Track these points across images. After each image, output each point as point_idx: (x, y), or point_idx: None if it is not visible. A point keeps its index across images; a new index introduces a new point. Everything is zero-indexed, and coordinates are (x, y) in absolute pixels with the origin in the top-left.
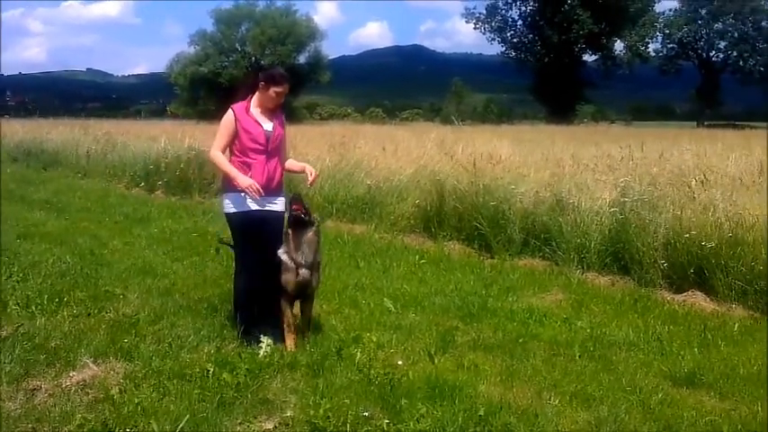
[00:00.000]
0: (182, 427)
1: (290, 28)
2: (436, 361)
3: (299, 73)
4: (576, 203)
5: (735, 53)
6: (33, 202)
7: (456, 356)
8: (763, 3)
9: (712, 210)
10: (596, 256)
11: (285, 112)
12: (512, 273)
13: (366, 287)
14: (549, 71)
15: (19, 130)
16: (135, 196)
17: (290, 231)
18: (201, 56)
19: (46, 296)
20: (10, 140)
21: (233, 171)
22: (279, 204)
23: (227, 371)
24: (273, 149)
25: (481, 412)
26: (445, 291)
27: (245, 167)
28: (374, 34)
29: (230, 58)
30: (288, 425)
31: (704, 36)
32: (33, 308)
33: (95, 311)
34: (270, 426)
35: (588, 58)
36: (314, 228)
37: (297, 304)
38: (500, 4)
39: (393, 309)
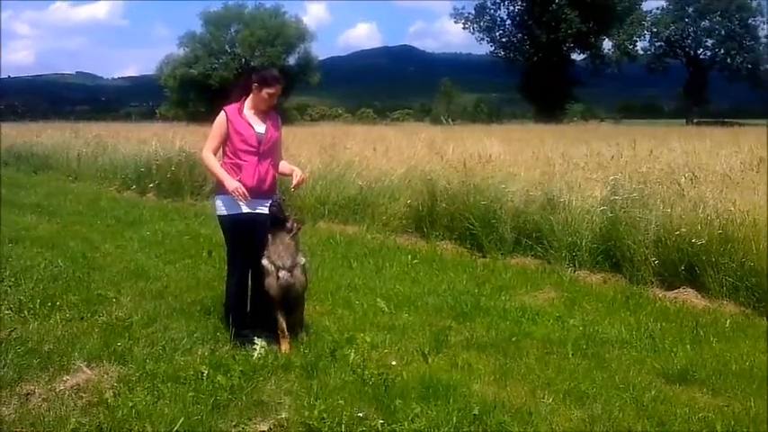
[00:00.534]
0: (176, 430)
1: (279, 29)
2: (430, 361)
3: (288, 74)
4: (566, 202)
5: (722, 51)
6: (24, 205)
7: (449, 356)
8: (749, 0)
9: (702, 207)
10: (588, 254)
11: (272, 110)
12: (504, 272)
13: (359, 288)
14: (538, 70)
15: (8, 134)
16: (126, 199)
17: (269, 235)
18: (191, 58)
19: (38, 300)
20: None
21: (222, 174)
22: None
23: (221, 373)
24: (266, 152)
25: (475, 411)
26: (438, 290)
27: (236, 169)
28: (363, 35)
29: (220, 60)
30: (282, 426)
31: (691, 34)
32: (26, 312)
33: (88, 315)
34: (264, 427)
35: (577, 56)
36: (291, 230)
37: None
38: (488, 3)
39: (386, 309)
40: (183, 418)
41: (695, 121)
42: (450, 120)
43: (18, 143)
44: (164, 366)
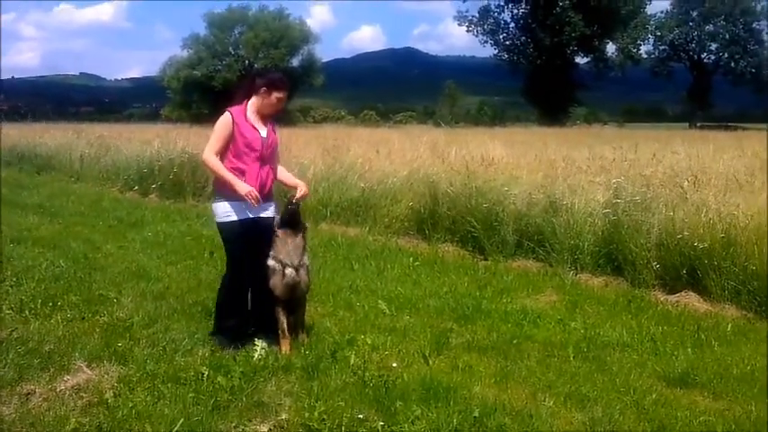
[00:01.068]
0: (176, 431)
1: (283, 31)
2: (431, 363)
3: (292, 76)
4: (569, 205)
5: (726, 55)
6: (27, 206)
7: (450, 358)
8: (753, 4)
9: (705, 210)
10: (590, 257)
11: (279, 114)
12: (505, 274)
13: (360, 289)
14: (542, 73)
15: (12, 135)
16: (129, 200)
17: (277, 234)
18: (195, 59)
19: (39, 300)
20: (3, 145)
21: (231, 177)
22: (270, 211)
23: (221, 374)
24: (267, 156)
25: (476, 413)
26: (439, 293)
27: (239, 173)
28: (367, 37)
29: (223, 62)
30: (283, 427)
31: (695, 38)
32: (27, 312)
33: (89, 315)
34: (264, 428)
35: (580, 60)
36: (302, 231)
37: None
38: (492, 6)
39: (387, 311)
40: (183, 419)
41: (699, 125)
42: (450, 122)
43: (21, 144)
44: (164, 367)
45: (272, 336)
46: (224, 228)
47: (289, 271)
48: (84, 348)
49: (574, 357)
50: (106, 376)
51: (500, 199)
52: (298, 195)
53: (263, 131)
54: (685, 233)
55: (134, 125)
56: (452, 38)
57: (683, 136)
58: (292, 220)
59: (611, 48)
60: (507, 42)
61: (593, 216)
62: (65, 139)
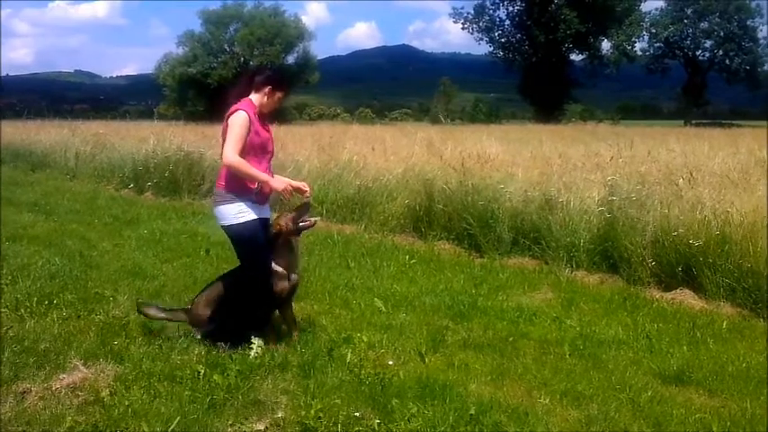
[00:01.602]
0: (172, 429)
1: (278, 28)
2: (427, 360)
3: (288, 73)
4: (564, 202)
5: (721, 52)
6: (21, 204)
7: (446, 356)
8: (747, 1)
9: (700, 208)
10: (585, 254)
11: (274, 112)
12: (501, 272)
13: (356, 287)
14: (537, 71)
15: (7, 132)
16: (124, 198)
17: (281, 239)
18: (190, 57)
19: (35, 299)
20: None
21: (264, 175)
22: (269, 211)
23: (217, 372)
24: (272, 155)
25: (472, 411)
26: (435, 290)
27: None
28: (363, 35)
29: (219, 59)
30: (279, 426)
31: (690, 35)
32: (22, 310)
33: (85, 314)
34: (261, 427)
35: (575, 57)
36: (303, 230)
37: None
38: (488, 3)
39: (383, 309)
40: (179, 417)
41: (693, 122)
42: (449, 119)
43: (16, 141)
44: (160, 365)
45: (265, 336)
46: (239, 229)
47: (294, 276)
48: (80, 347)
49: (569, 355)
50: (102, 375)
51: (496, 196)
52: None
53: (269, 130)
54: (680, 230)
55: (129, 122)
56: (448, 35)
57: (678, 133)
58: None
59: (606, 45)
60: (502, 39)
61: (588, 213)
62: (60, 137)
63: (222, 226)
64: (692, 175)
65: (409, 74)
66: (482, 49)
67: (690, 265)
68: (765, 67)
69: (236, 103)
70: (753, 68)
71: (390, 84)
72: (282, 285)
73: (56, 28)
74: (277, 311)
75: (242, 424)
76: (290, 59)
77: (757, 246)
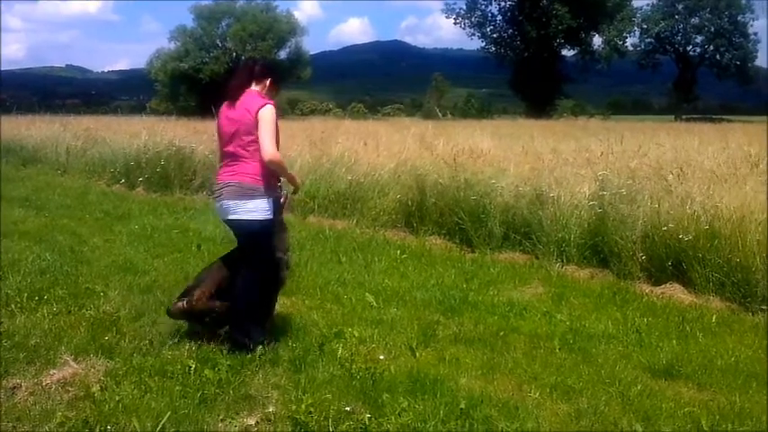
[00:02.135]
0: (163, 424)
1: (270, 24)
2: (418, 355)
3: (280, 68)
4: (555, 197)
5: (711, 47)
6: (12, 199)
7: (437, 350)
8: None
9: (689, 203)
10: (576, 249)
11: None
12: (492, 267)
13: (348, 282)
14: (529, 66)
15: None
16: (115, 193)
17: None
18: (182, 52)
19: (26, 294)
20: None
21: (292, 174)
22: None
23: (208, 367)
24: None
25: (462, 405)
26: (426, 285)
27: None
28: (355, 30)
29: (211, 54)
30: (270, 420)
31: (681, 30)
32: (13, 306)
33: (76, 309)
34: (252, 421)
35: (567, 52)
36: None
37: None
38: None
39: (375, 303)
40: (169, 412)
41: (684, 117)
42: (443, 113)
43: (7, 136)
44: (151, 360)
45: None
46: (267, 225)
47: (287, 257)
48: (71, 342)
49: (559, 349)
50: (93, 370)
51: (487, 191)
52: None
53: None
54: (670, 225)
55: (121, 118)
56: (440, 30)
57: (669, 128)
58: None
59: (597, 40)
60: (494, 35)
61: (579, 208)
62: (51, 132)
63: (248, 220)
64: (681, 170)
65: (402, 69)
66: (474, 44)
67: (679, 260)
68: (755, 63)
69: (238, 94)
70: (743, 64)
71: (383, 79)
72: (285, 273)
73: (48, 23)
74: None
75: (233, 419)
76: (282, 55)
77: (746, 240)
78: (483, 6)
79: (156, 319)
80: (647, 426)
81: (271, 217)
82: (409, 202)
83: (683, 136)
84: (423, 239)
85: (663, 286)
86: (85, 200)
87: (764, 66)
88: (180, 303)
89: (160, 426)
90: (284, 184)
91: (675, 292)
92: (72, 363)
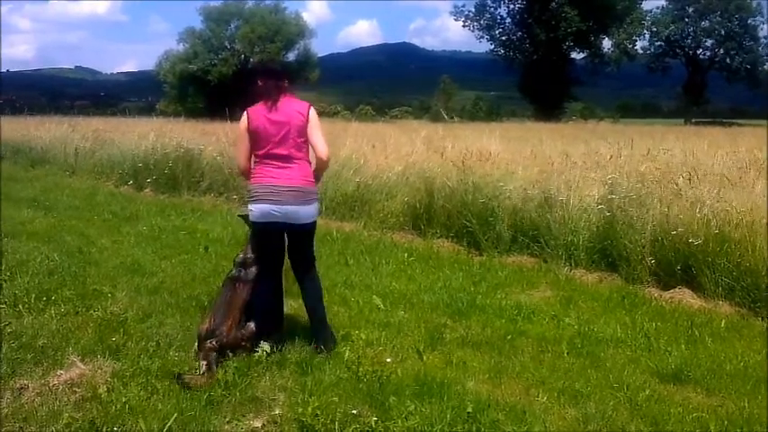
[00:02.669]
0: (170, 426)
1: (279, 26)
2: (425, 358)
3: (288, 70)
4: (564, 200)
5: (721, 51)
6: (21, 200)
7: (444, 353)
8: (748, 0)
9: (699, 207)
10: (584, 252)
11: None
12: (500, 270)
13: (355, 285)
14: (538, 69)
15: (6, 128)
16: (123, 194)
17: None
18: (190, 53)
19: (33, 295)
20: None
21: None
22: None
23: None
24: None
25: (469, 409)
26: (434, 288)
27: None
28: (363, 32)
29: (219, 56)
30: (276, 423)
31: (691, 34)
32: (20, 306)
33: (83, 310)
34: (258, 424)
35: (576, 55)
36: None
37: None
38: (488, 1)
39: (382, 306)
40: (176, 414)
41: (693, 120)
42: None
43: (16, 137)
44: (158, 362)
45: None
46: (315, 226)
47: None
48: (78, 343)
49: (567, 353)
50: (99, 371)
51: (495, 194)
52: None
53: None
54: (680, 229)
55: (130, 119)
56: (448, 33)
57: (678, 132)
58: None
59: (606, 43)
60: (503, 38)
61: (587, 212)
62: (59, 133)
63: (311, 223)
64: (691, 174)
65: (410, 72)
66: (483, 47)
67: (689, 264)
68: (766, 66)
69: (278, 96)
70: (753, 67)
71: (391, 81)
72: None
73: (56, 24)
74: None
75: (239, 421)
76: (291, 57)
77: (756, 245)
78: (492, 9)
79: (164, 320)
80: (655, 431)
81: None
82: (417, 205)
83: (693, 139)
84: (430, 242)
85: (672, 291)
86: (94, 201)
87: None
88: (210, 343)
89: (166, 427)
90: None
91: (684, 296)
92: (79, 364)
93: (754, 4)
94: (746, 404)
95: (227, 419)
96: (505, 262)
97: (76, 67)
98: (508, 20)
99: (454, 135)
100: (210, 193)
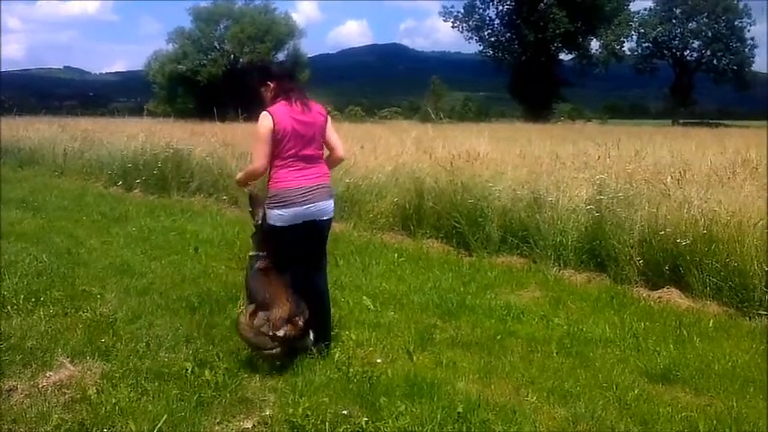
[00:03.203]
0: (160, 427)
1: (268, 26)
2: (415, 358)
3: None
4: (553, 201)
5: (708, 52)
6: (9, 200)
7: (434, 354)
8: (735, 2)
9: (687, 207)
10: (573, 253)
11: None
12: (490, 270)
13: (345, 285)
14: (526, 70)
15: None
16: (112, 195)
17: None
18: (180, 54)
19: (22, 296)
20: None
21: None
22: None
23: (206, 369)
24: None
25: (459, 409)
26: (424, 288)
27: None
28: (353, 33)
29: (209, 56)
30: (267, 424)
31: (678, 35)
32: (9, 308)
33: (72, 311)
34: (248, 425)
35: (564, 56)
36: None
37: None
38: (477, 3)
39: (372, 307)
40: (166, 415)
41: (681, 121)
42: (440, 116)
43: (4, 137)
44: (148, 363)
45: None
46: None
47: None
48: (67, 344)
49: (557, 353)
50: (89, 372)
51: (485, 195)
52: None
53: None
54: (668, 229)
55: (119, 119)
56: (438, 34)
57: (666, 133)
58: None
59: (594, 44)
60: (492, 39)
61: (576, 212)
62: (48, 133)
63: (331, 219)
64: (679, 174)
65: (399, 72)
66: (472, 48)
67: (677, 264)
68: (752, 68)
69: (302, 96)
70: (740, 69)
71: (380, 82)
72: None
73: (46, 24)
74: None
75: (229, 422)
76: (281, 57)
77: (744, 245)
78: (481, 10)
79: (153, 321)
80: (644, 430)
81: None
82: (407, 206)
83: (681, 140)
84: (420, 243)
85: (660, 290)
86: (83, 202)
87: (761, 71)
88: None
89: (156, 429)
90: None
91: (673, 296)
92: (68, 365)
93: (741, 5)
94: (735, 404)
95: (218, 420)
96: (495, 262)
97: (65, 67)
98: (497, 21)
99: (444, 135)
100: (200, 193)
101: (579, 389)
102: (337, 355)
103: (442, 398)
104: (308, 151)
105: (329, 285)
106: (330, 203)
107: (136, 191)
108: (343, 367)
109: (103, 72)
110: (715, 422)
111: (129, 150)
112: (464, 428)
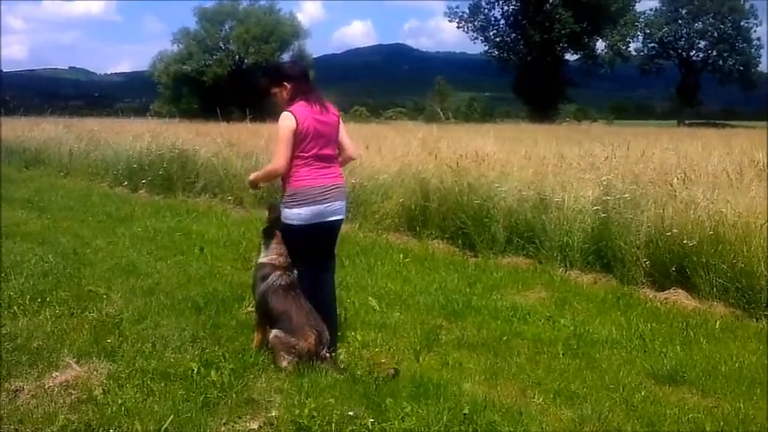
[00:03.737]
0: (166, 428)
1: (273, 26)
2: (421, 359)
3: None
4: (559, 202)
5: (714, 52)
6: (15, 201)
7: (440, 355)
8: (741, 2)
9: (694, 208)
10: (579, 254)
11: (271, 110)
12: (495, 271)
13: (351, 286)
14: (532, 70)
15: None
16: (118, 195)
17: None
18: (185, 54)
19: (28, 296)
20: None
21: None
22: None
23: (212, 370)
24: None
25: (466, 410)
26: (429, 289)
27: None
28: (358, 33)
29: (214, 57)
30: (272, 424)
31: (684, 35)
32: (15, 308)
33: (78, 311)
34: (254, 426)
35: (570, 57)
36: None
37: None
38: (483, 3)
39: (378, 308)
40: (172, 416)
41: (687, 122)
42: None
43: (10, 137)
44: (154, 363)
45: None
46: None
47: None
48: (73, 345)
49: (563, 354)
50: (95, 373)
51: (490, 195)
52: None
53: None
54: (674, 230)
55: (124, 120)
56: (443, 34)
57: (672, 133)
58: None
59: (600, 45)
60: (497, 39)
61: (582, 213)
62: (54, 134)
63: (342, 219)
64: (685, 175)
65: (404, 73)
66: (477, 48)
67: (683, 265)
68: (758, 68)
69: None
70: (746, 69)
71: (385, 82)
72: None
73: (50, 24)
74: None
75: (235, 423)
76: (286, 57)
77: (750, 246)
78: (486, 10)
79: (159, 321)
80: None
81: None
82: (412, 206)
83: (687, 141)
84: (426, 243)
85: (667, 292)
86: (88, 202)
87: (767, 71)
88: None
89: (162, 429)
90: None
91: (679, 297)
92: (74, 365)
93: (747, 6)
94: (742, 405)
95: (224, 421)
96: (500, 263)
97: (70, 67)
98: (502, 21)
99: (449, 136)
100: (205, 193)
101: (586, 390)
102: (343, 355)
103: (448, 399)
104: (326, 151)
105: (336, 286)
106: (344, 204)
107: (141, 191)
108: (350, 368)
109: (108, 72)
110: (722, 424)
111: (134, 151)
112: (470, 430)
